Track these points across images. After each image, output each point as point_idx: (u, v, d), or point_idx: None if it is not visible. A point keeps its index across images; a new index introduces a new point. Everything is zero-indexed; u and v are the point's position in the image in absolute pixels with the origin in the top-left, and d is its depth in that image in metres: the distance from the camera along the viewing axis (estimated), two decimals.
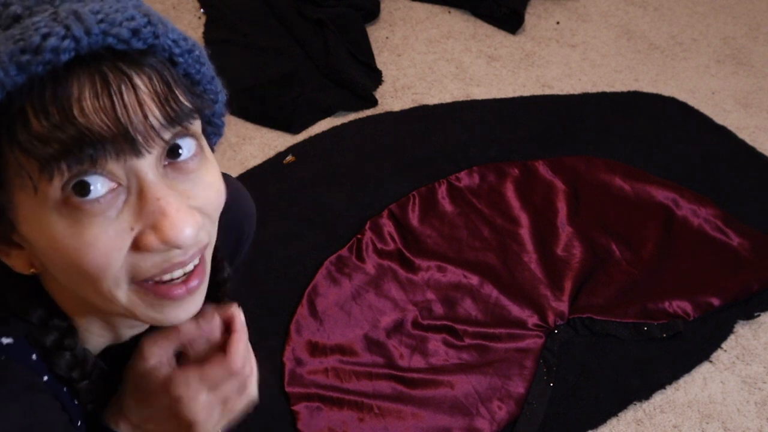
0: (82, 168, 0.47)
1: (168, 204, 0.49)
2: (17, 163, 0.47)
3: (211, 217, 0.55)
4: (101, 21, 0.46)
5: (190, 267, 0.54)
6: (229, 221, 0.66)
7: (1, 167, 0.48)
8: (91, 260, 0.49)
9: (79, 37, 0.45)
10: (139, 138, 0.48)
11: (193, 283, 0.54)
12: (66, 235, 0.48)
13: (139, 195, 0.49)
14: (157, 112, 0.48)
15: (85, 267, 0.49)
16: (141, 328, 0.66)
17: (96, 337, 0.63)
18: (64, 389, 0.61)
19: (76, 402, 0.62)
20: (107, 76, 0.47)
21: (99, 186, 0.47)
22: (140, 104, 0.47)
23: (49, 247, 0.49)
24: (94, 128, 0.46)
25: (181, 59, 0.52)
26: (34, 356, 0.58)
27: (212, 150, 0.64)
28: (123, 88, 0.47)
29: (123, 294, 0.52)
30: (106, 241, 0.49)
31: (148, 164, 0.49)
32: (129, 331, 0.65)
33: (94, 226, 0.48)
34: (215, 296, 0.73)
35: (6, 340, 0.56)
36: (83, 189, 0.47)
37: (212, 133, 0.63)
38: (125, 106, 0.47)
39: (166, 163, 0.51)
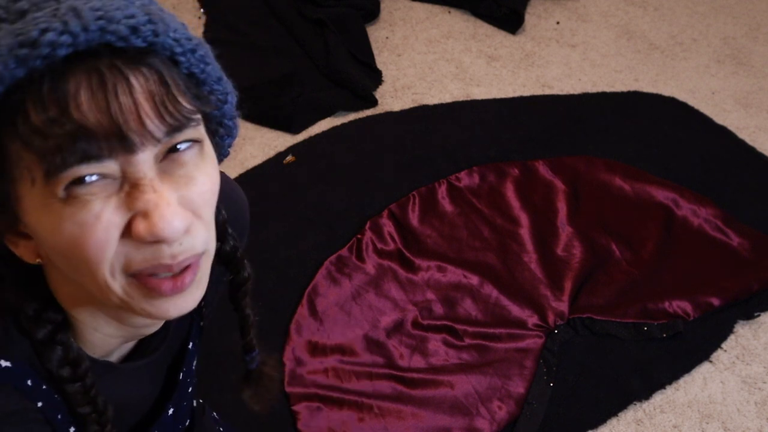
0: (78, 162, 0.47)
1: (160, 197, 0.50)
2: (17, 155, 0.48)
3: (203, 218, 0.54)
4: (100, 18, 0.46)
5: (176, 270, 0.54)
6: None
7: (3, 159, 0.49)
8: (89, 245, 0.49)
9: (76, 33, 0.46)
10: (133, 137, 0.48)
11: (185, 279, 0.54)
12: (64, 223, 0.49)
13: (133, 186, 0.50)
14: (151, 113, 0.48)
15: (84, 253, 0.50)
16: (153, 324, 0.64)
17: (106, 337, 0.62)
18: (59, 416, 0.60)
19: (72, 430, 0.61)
20: (104, 74, 0.47)
21: (94, 178, 0.48)
22: (135, 104, 0.48)
23: (50, 236, 0.50)
24: (89, 125, 0.47)
25: (182, 58, 0.52)
26: (29, 381, 0.58)
27: (227, 152, 0.63)
28: (118, 87, 0.47)
29: (118, 285, 0.53)
30: (100, 226, 0.49)
31: (143, 160, 0.49)
32: (140, 328, 0.63)
33: (90, 212, 0.49)
34: (235, 297, 0.74)
35: (4, 363, 0.56)
36: (79, 181, 0.48)
37: (225, 134, 0.62)
38: (119, 106, 0.47)
39: (162, 157, 0.51)
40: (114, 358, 0.66)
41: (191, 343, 0.75)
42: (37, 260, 0.54)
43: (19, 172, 0.49)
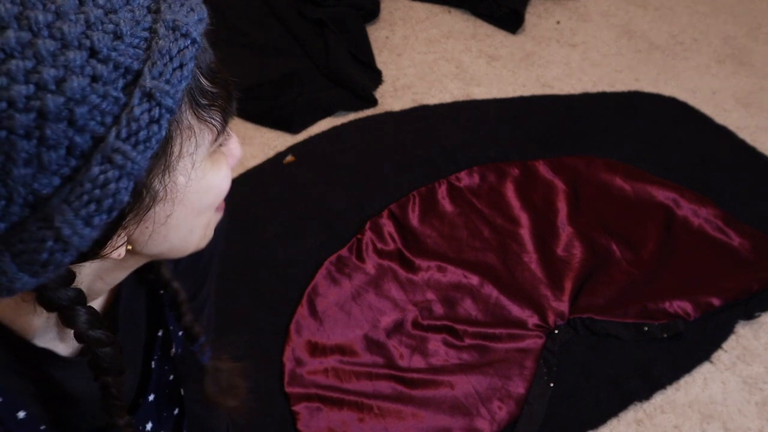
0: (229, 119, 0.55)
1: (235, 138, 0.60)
2: (189, 130, 0.51)
3: None
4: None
5: None
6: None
7: (171, 146, 0.50)
8: (225, 187, 0.57)
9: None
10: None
11: None
12: (216, 174, 0.56)
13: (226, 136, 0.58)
14: None
15: (221, 195, 0.57)
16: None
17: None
18: None
19: None
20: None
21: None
22: None
23: (200, 193, 0.54)
24: (231, 87, 0.55)
25: None
26: (21, 414, 0.58)
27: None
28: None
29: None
30: (228, 169, 0.58)
31: None
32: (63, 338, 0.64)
33: (224, 162, 0.57)
34: (191, 338, 0.75)
35: None
36: (227, 136, 0.56)
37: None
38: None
39: None
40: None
41: (161, 330, 0.74)
42: (128, 247, 0.54)
43: (183, 149, 0.51)
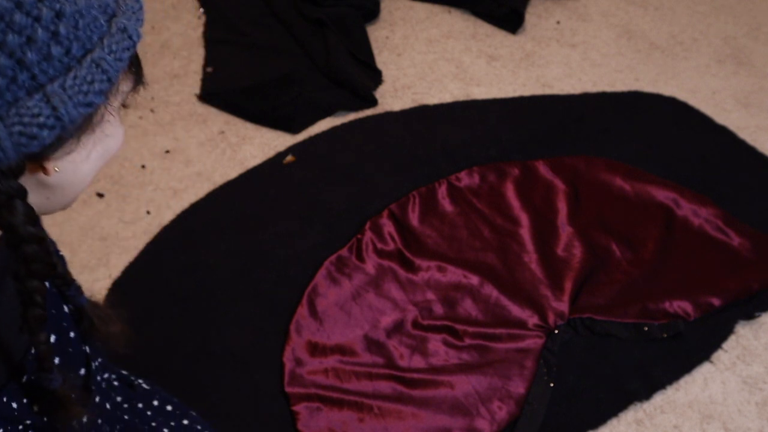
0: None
1: None
2: (124, 73, 0.62)
3: None
4: None
5: None
6: None
7: (119, 79, 0.61)
8: (121, 140, 0.67)
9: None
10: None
11: None
12: (120, 129, 0.66)
13: None
14: None
15: (117, 146, 0.66)
16: None
17: None
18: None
19: None
20: None
21: None
22: None
23: (113, 136, 0.64)
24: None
25: None
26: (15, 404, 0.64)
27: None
28: None
29: None
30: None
31: None
32: None
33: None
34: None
35: None
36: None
37: None
38: None
39: None
40: None
41: (47, 283, 0.74)
42: (56, 169, 0.62)
43: (117, 88, 0.62)
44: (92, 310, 0.80)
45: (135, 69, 0.64)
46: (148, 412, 1.02)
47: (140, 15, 0.62)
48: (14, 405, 0.69)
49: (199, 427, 1.07)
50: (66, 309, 0.78)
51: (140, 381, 1.06)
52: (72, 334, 0.79)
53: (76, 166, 0.62)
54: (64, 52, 0.55)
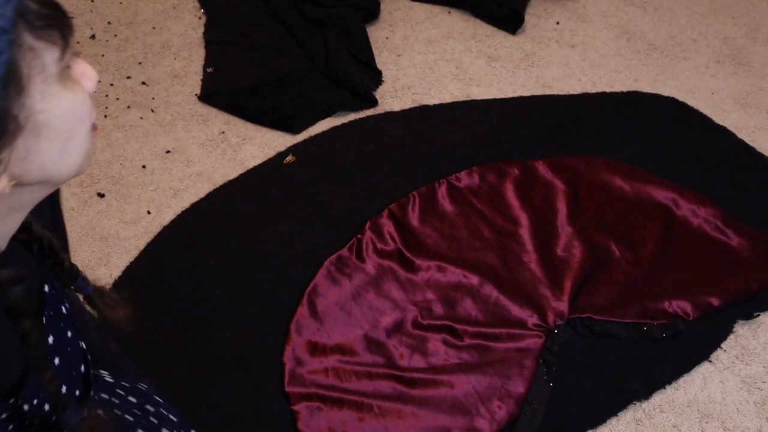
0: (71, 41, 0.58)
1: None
2: (31, 51, 0.55)
3: None
4: None
5: None
6: None
7: (14, 72, 0.54)
8: (85, 108, 0.60)
9: None
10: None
11: None
12: (71, 96, 0.59)
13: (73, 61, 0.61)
14: None
15: (83, 117, 0.60)
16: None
17: None
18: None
19: None
20: None
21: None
22: None
23: (61, 117, 0.58)
24: (60, 6, 0.58)
25: None
26: None
27: None
28: None
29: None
30: (85, 92, 0.60)
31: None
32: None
33: (79, 84, 0.59)
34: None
35: None
36: (75, 60, 0.59)
37: None
38: None
39: None
40: None
41: (45, 286, 0.75)
42: (12, 183, 0.57)
43: (32, 71, 0.55)
44: (99, 298, 0.80)
45: (54, 34, 0.57)
46: (114, 401, 1.02)
47: None
48: (25, 407, 0.69)
49: (164, 411, 1.06)
50: (64, 309, 0.79)
51: (101, 372, 1.06)
52: (69, 334, 0.79)
53: (32, 159, 0.57)
54: None
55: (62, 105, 0.58)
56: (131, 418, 0.97)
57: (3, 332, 0.61)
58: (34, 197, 0.62)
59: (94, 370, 0.90)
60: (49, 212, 0.79)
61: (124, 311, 0.82)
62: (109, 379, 1.01)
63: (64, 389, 0.73)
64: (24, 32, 0.54)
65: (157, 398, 1.04)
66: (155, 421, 1.00)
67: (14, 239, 0.69)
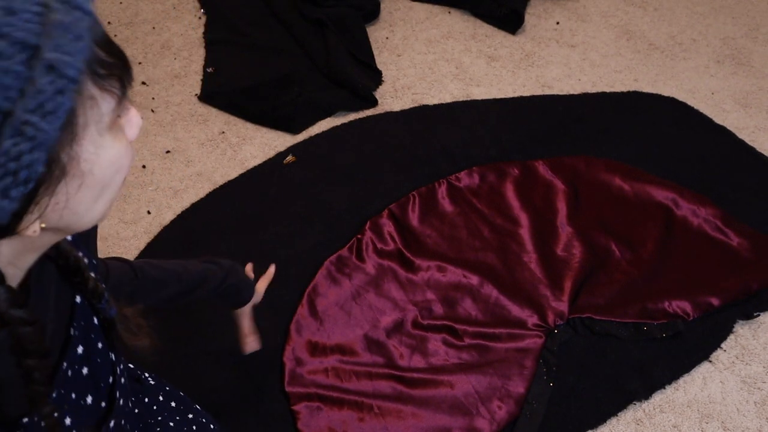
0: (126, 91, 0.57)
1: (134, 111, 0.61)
2: (92, 100, 0.53)
3: None
4: None
5: None
6: None
7: (77, 116, 0.52)
8: (128, 159, 0.59)
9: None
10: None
11: None
12: (118, 145, 0.57)
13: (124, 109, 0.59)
14: None
15: (124, 168, 0.59)
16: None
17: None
18: None
19: None
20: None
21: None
22: None
23: (104, 167, 0.56)
24: (125, 56, 0.58)
25: None
26: None
27: None
28: None
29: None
30: (129, 141, 0.59)
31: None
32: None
33: (124, 134, 0.58)
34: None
35: None
36: (126, 108, 0.58)
37: None
38: None
39: None
40: None
41: (78, 297, 0.75)
42: (42, 225, 0.56)
43: (88, 119, 0.53)
44: (122, 323, 0.79)
45: (115, 84, 0.56)
46: (155, 407, 1.02)
47: (75, 47, 0.51)
48: None
49: (203, 420, 1.07)
50: (96, 320, 0.78)
51: (146, 375, 1.06)
52: (100, 345, 0.79)
53: (68, 205, 0.56)
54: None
55: (109, 154, 0.56)
56: (171, 423, 0.97)
57: (6, 366, 0.60)
58: (53, 240, 0.61)
59: (140, 372, 0.89)
60: (83, 238, 0.78)
61: (147, 342, 0.81)
62: (152, 381, 1.01)
63: (68, 421, 0.73)
64: (87, 81, 0.52)
65: (197, 406, 1.05)
66: (195, 429, 1.00)
67: (45, 255, 0.69)
